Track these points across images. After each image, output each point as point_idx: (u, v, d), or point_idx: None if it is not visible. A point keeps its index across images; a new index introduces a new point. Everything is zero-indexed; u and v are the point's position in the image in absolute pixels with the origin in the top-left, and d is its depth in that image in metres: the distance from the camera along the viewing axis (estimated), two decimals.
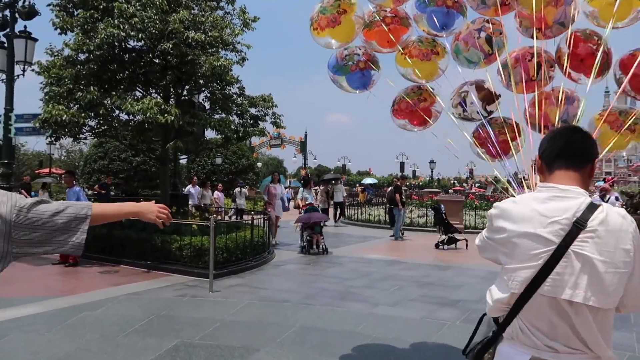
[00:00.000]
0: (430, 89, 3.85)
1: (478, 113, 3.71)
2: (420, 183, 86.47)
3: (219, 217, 14.43)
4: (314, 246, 10.99)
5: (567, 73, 3.49)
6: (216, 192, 16.70)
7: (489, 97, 3.73)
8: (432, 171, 42.62)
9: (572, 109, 3.52)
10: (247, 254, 9.21)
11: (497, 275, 1.83)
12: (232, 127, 11.53)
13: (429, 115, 3.83)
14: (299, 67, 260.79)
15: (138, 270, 8.56)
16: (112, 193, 18.30)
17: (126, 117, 10.56)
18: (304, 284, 7.73)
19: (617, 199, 12.42)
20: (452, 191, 46.30)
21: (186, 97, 11.86)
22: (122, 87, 10.52)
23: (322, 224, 11.50)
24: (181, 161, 26.30)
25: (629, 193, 12.50)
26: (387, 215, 16.09)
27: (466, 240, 12.55)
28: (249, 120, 12.16)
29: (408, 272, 8.88)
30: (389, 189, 17.94)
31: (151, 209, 1.90)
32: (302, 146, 43.07)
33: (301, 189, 13.25)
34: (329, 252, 10.87)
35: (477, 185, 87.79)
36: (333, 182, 21.05)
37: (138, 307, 5.98)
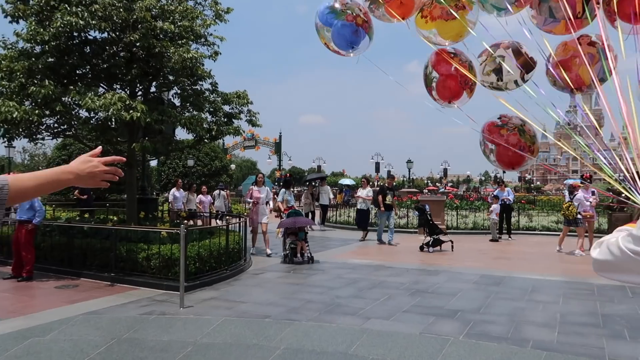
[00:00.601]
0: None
1: (515, 83, 3.14)
2: (395, 183, 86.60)
3: (198, 223, 13.59)
4: (298, 254, 9.90)
5: (611, 13, 2.85)
6: (200, 195, 15.40)
7: (526, 64, 3.15)
8: (409, 171, 42.36)
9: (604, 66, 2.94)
10: (222, 263, 8.47)
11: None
12: (205, 125, 10.76)
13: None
14: (274, 68, 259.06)
15: (100, 283, 7.71)
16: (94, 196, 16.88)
17: (87, 114, 9.68)
18: (286, 296, 7.05)
19: (593, 193, 12.12)
20: (426, 191, 46.29)
21: (156, 94, 11.03)
22: (83, 82, 9.62)
23: (307, 230, 10.61)
24: (151, 163, 25.23)
25: (615, 189, 12.23)
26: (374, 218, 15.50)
27: (451, 242, 12.08)
28: (222, 119, 11.40)
29: (396, 278, 8.30)
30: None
31: (86, 166, 1.43)
32: (277, 147, 42.27)
33: (282, 190, 11.84)
34: (315, 261, 9.89)
35: (449, 184, 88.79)
36: (318, 182, 19.74)
37: (96, 330, 5.19)
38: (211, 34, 10.69)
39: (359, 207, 14.39)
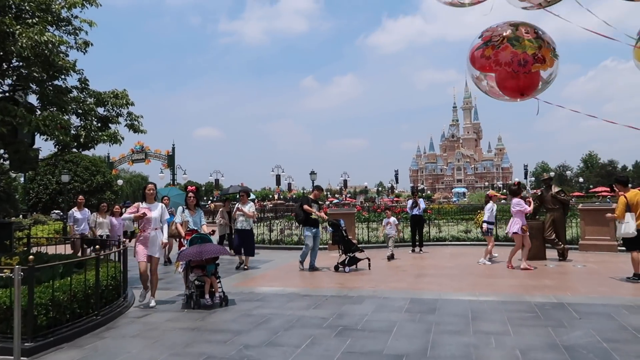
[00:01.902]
0: None
1: None
2: (295, 195, 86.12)
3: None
4: (207, 295, 7.33)
5: None
6: (112, 217, 11.76)
7: None
8: (312, 182, 41.51)
9: None
10: (91, 307, 6.44)
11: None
12: (72, 130, 8.61)
13: None
14: (165, 79, 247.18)
15: None
16: None
17: None
18: (176, 351, 5.28)
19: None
20: (328, 202, 45.91)
21: (8, 93, 8.62)
22: None
23: (218, 261, 7.85)
24: (15, 179, 21.43)
25: (525, 197, 12.04)
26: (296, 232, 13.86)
27: (368, 259, 11.00)
28: (95, 122, 9.28)
29: (316, 311, 6.89)
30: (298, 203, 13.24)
31: None
32: (170, 160, 39.17)
33: (180, 209, 8.52)
34: (229, 302, 7.46)
35: (348, 195, 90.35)
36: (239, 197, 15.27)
37: None
38: (76, 17, 8.58)
39: (238, 226, 11.31)
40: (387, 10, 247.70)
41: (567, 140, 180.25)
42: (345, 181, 59.67)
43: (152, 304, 7.35)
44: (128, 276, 8.15)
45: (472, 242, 15.10)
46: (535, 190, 24.07)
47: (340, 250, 10.87)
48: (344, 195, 62.58)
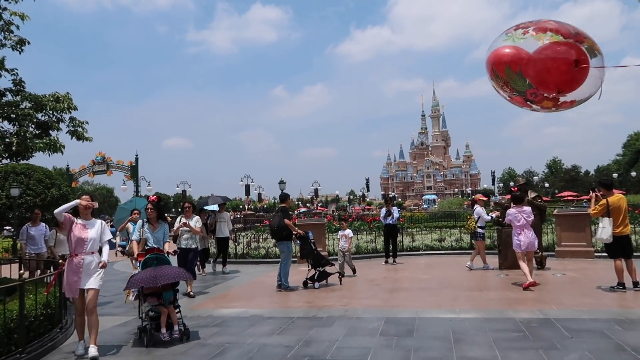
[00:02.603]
0: None
1: None
2: (265, 206, 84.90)
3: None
4: (163, 328, 6.13)
5: None
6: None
7: None
8: (282, 192, 40.90)
9: None
10: (15, 343, 5.49)
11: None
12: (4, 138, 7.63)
13: None
14: (131, 89, 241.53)
15: None
16: None
17: None
18: None
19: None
20: (297, 212, 45.05)
21: None
22: None
23: (178, 287, 6.69)
24: None
25: (502, 203, 11.59)
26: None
27: (339, 274, 10.30)
28: (31, 129, 8.29)
29: (280, 337, 6.10)
30: (274, 214, 12.05)
31: None
32: (133, 171, 37.62)
33: (139, 223, 7.44)
34: (190, 336, 6.23)
35: (320, 204, 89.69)
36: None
37: None
38: (5, 9, 7.62)
39: (182, 244, 9.61)
40: (355, 20, 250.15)
41: (531, 146, 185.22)
42: (316, 190, 58.98)
43: (92, 353, 5.44)
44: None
45: (446, 252, 14.59)
46: (505, 196, 23.89)
47: (309, 265, 10.11)
48: (315, 205, 61.85)
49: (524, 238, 8.71)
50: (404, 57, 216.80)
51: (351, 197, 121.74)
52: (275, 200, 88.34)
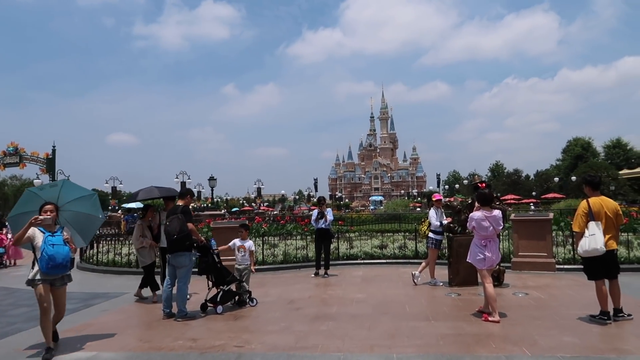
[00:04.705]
0: None
1: None
2: (209, 204, 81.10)
3: None
4: None
5: None
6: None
7: None
8: (212, 190, 37.61)
9: None
10: None
11: None
12: None
13: None
14: (74, 82, 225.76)
15: None
16: None
17: None
18: None
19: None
20: (224, 211, 42.22)
21: None
22: None
23: None
24: None
25: (454, 206, 9.69)
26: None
27: (250, 293, 8.03)
28: None
29: None
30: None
31: None
32: (49, 164, 33.57)
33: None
34: None
35: (265, 204, 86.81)
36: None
37: None
38: None
39: None
40: (307, 21, 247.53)
41: (475, 150, 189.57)
42: (259, 189, 56.18)
43: None
44: None
45: (388, 260, 12.61)
46: (449, 199, 22.31)
47: (211, 282, 7.77)
48: (258, 204, 59.02)
49: (489, 253, 6.68)
50: (355, 60, 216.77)
51: (297, 197, 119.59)
52: (218, 199, 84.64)
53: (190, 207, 8.29)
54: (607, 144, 73.82)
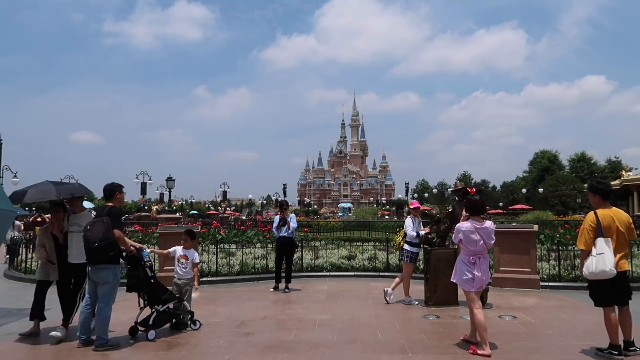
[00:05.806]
0: None
1: None
2: (175, 207, 78.48)
3: None
4: None
5: None
6: None
7: None
8: (169, 191, 35.62)
9: None
10: None
11: None
12: None
13: None
14: (37, 77, 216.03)
15: None
16: None
17: None
18: None
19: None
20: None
21: None
22: None
23: None
24: None
25: (433, 215, 8.58)
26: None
27: (192, 314, 6.69)
28: None
29: None
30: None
31: None
32: None
33: None
34: None
35: (232, 208, 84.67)
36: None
37: None
38: None
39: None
40: (282, 27, 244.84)
41: (443, 161, 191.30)
42: (224, 192, 54.33)
43: None
44: None
45: (356, 273, 11.45)
46: (426, 207, 21.33)
47: (143, 301, 6.39)
48: (223, 208, 57.11)
49: (478, 272, 5.53)
50: (328, 67, 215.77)
51: (265, 202, 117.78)
52: (182, 202, 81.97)
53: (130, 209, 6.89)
54: (573, 157, 75.32)
